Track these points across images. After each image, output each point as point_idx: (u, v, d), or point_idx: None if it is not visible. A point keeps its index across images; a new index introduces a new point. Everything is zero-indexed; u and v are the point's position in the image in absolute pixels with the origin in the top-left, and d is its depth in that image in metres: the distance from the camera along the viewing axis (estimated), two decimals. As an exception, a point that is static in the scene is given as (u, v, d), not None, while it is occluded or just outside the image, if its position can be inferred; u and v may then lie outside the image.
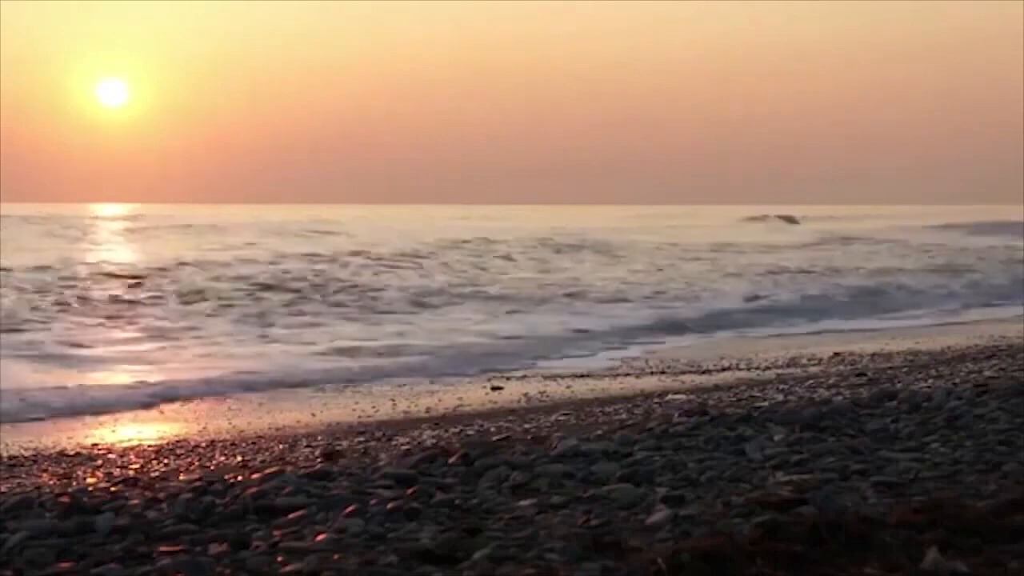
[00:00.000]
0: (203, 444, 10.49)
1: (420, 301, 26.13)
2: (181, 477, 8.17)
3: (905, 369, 14.14)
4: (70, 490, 7.18)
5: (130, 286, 28.20)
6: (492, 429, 10.50)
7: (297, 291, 27.71)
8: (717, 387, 13.21)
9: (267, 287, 28.66)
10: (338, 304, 25.09)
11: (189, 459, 9.72)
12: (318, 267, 34.65)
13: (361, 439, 10.33)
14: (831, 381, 12.96)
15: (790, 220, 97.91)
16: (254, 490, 6.49)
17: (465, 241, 50.22)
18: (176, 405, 13.18)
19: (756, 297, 27.76)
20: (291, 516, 6.06)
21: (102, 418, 12.41)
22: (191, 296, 26.12)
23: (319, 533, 5.66)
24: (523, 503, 6.19)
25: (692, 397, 12.25)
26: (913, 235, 67.12)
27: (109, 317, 22.34)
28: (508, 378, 14.85)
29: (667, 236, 62.58)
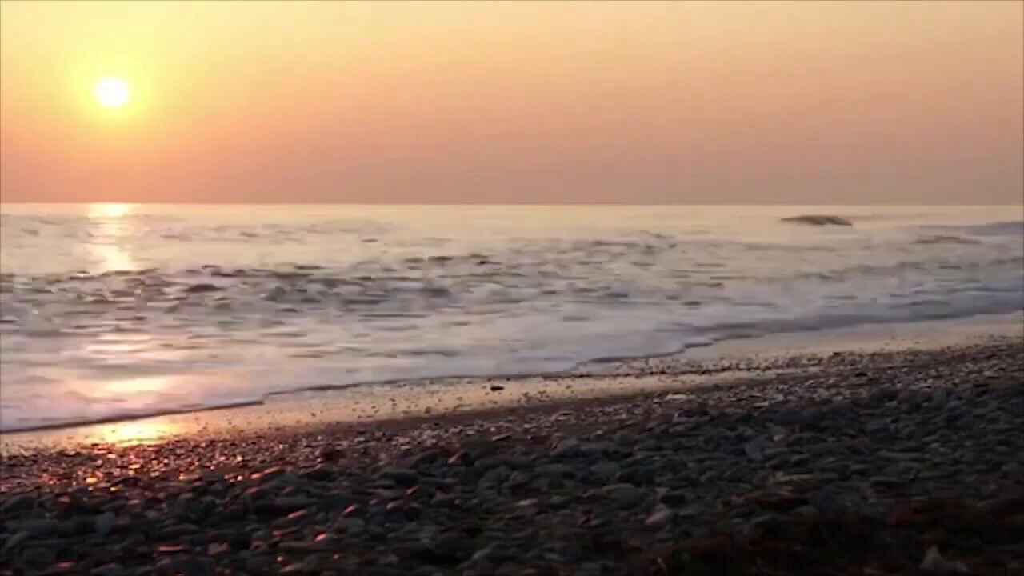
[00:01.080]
0: (203, 444, 10.49)
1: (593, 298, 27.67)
2: (181, 477, 8.16)
3: (905, 369, 14.14)
4: (70, 490, 7.18)
5: (212, 289, 28.21)
6: (492, 429, 10.50)
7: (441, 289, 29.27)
8: (717, 387, 13.20)
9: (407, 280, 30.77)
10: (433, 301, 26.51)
11: (189, 459, 9.72)
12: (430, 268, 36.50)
13: (361, 439, 10.32)
14: (831, 381, 12.95)
15: (838, 222, 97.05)
16: (254, 490, 6.49)
17: (599, 243, 52.44)
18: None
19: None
20: (291, 516, 6.06)
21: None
22: (279, 296, 26.71)
23: (319, 533, 5.66)
24: (523, 503, 6.19)
25: (692, 397, 12.24)
26: (971, 234, 67.78)
27: (203, 318, 22.58)
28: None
29: (751, 238, 63.03)
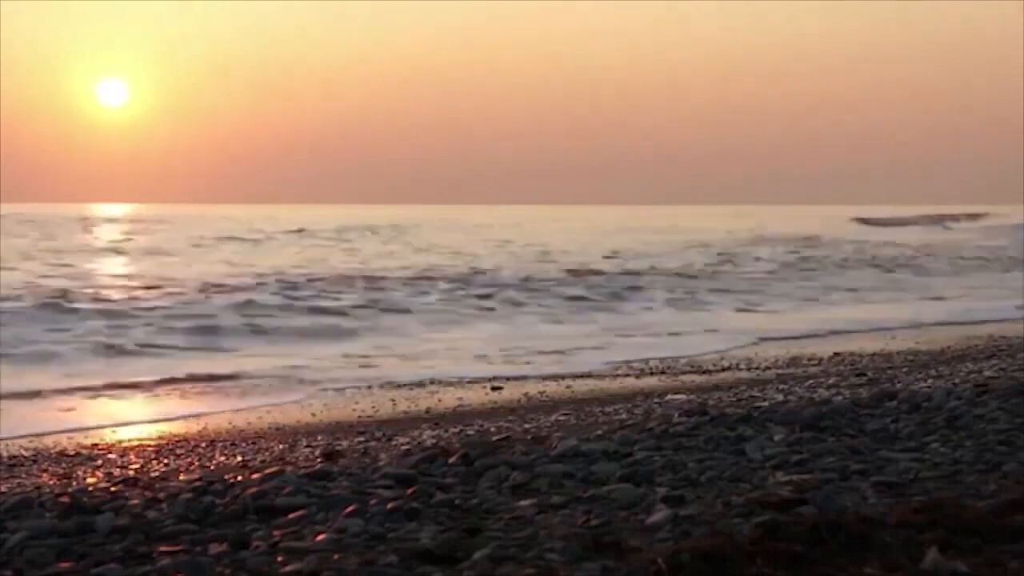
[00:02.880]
0: (203, 444, 10.49)
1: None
2: (181, 477, 8.16)
3: (905, 369, 14.14)
4: (70, 490, 7.18)
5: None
6: (492, 429, 10.50)
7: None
8: (717, 387, 13.20)
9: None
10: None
11: (189, 459, 9.72)
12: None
13: (361, 439, 10.33)
14: (831, 381, 12.95)
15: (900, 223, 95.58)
16: (254, 490, 6.49)
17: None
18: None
19: None
20: (291, 516, 6.05)
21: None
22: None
23: (319, 533, 5.66)
24: (523, 503, 6.19)
25: (692, 397, 12.24)
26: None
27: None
28: (509, 379, 14.86)
29: (883, 236, 64.73)
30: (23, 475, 9.18)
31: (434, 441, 9.85)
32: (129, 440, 10.98)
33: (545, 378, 14.77)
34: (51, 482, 8.65)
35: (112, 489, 7.06)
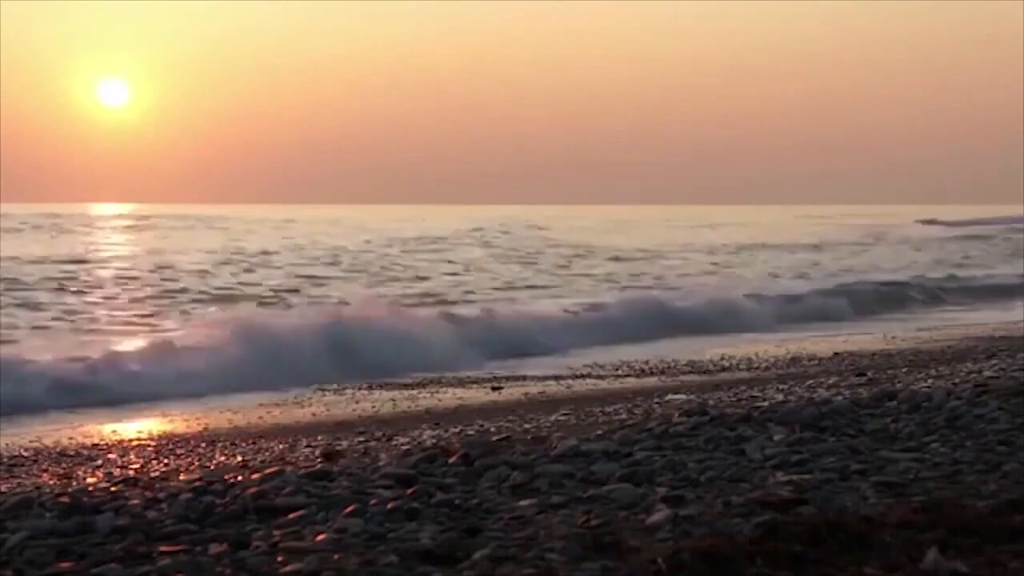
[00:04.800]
0: (203, 444, 10.49)
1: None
2: (181, 477, 8.16)
3: (905, 369, 14.14)
4: (70, 490, 7.17)
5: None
6: (492, 429, 10.50)
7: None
8: (717, 387, 13.20)
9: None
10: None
11: (189, 459, 9.72)
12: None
13: (361, 439, 10.33)
14: (831, 381, 12.95)
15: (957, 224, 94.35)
16: (254, 490, 6.49)
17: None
18: None
19: None
20: (291, 516, 6.05)
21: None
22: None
23: (319, 533, 5.65)
24: (523, 503, 6.19)
25: (692, 397, 12.24)
26: None
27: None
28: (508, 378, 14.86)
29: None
30: (23, 475, 9.19)
31: (434, 441, 9.85)
32: (129, 440, 10.99)
33: (545, 378, 14.78)
34: (51, 482, 8.65)
35: (112, 489, 7.05)
